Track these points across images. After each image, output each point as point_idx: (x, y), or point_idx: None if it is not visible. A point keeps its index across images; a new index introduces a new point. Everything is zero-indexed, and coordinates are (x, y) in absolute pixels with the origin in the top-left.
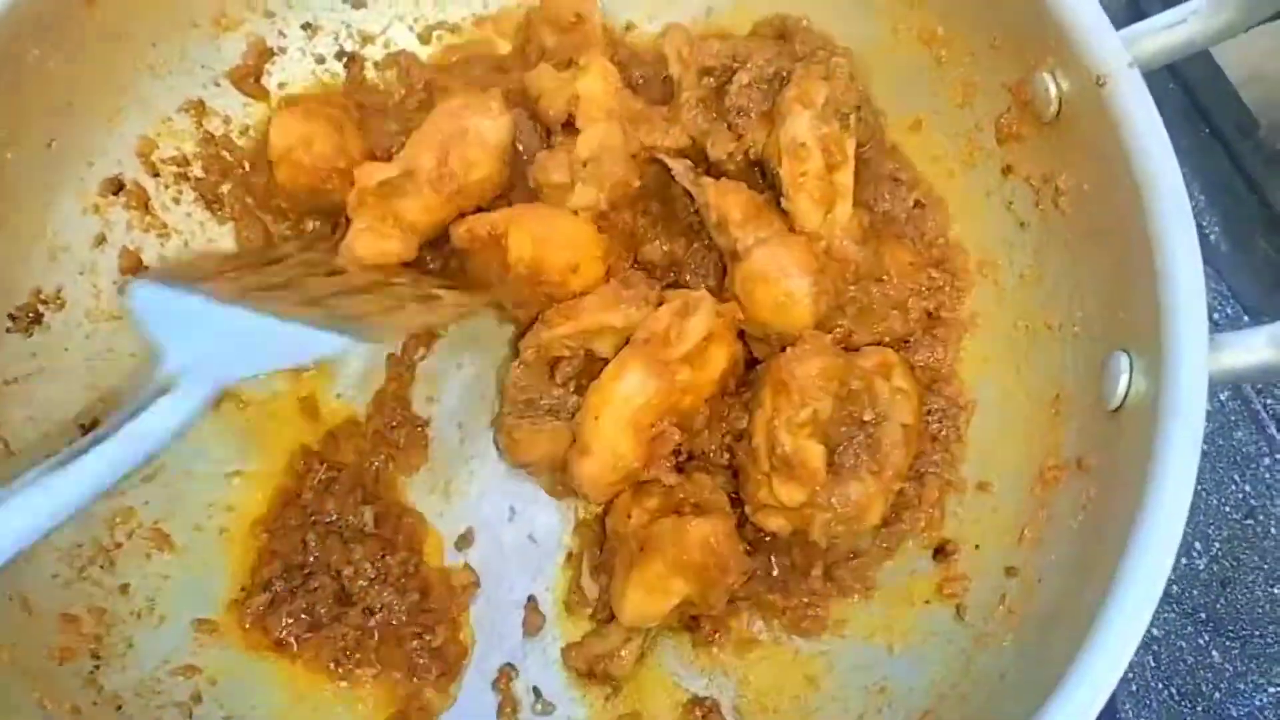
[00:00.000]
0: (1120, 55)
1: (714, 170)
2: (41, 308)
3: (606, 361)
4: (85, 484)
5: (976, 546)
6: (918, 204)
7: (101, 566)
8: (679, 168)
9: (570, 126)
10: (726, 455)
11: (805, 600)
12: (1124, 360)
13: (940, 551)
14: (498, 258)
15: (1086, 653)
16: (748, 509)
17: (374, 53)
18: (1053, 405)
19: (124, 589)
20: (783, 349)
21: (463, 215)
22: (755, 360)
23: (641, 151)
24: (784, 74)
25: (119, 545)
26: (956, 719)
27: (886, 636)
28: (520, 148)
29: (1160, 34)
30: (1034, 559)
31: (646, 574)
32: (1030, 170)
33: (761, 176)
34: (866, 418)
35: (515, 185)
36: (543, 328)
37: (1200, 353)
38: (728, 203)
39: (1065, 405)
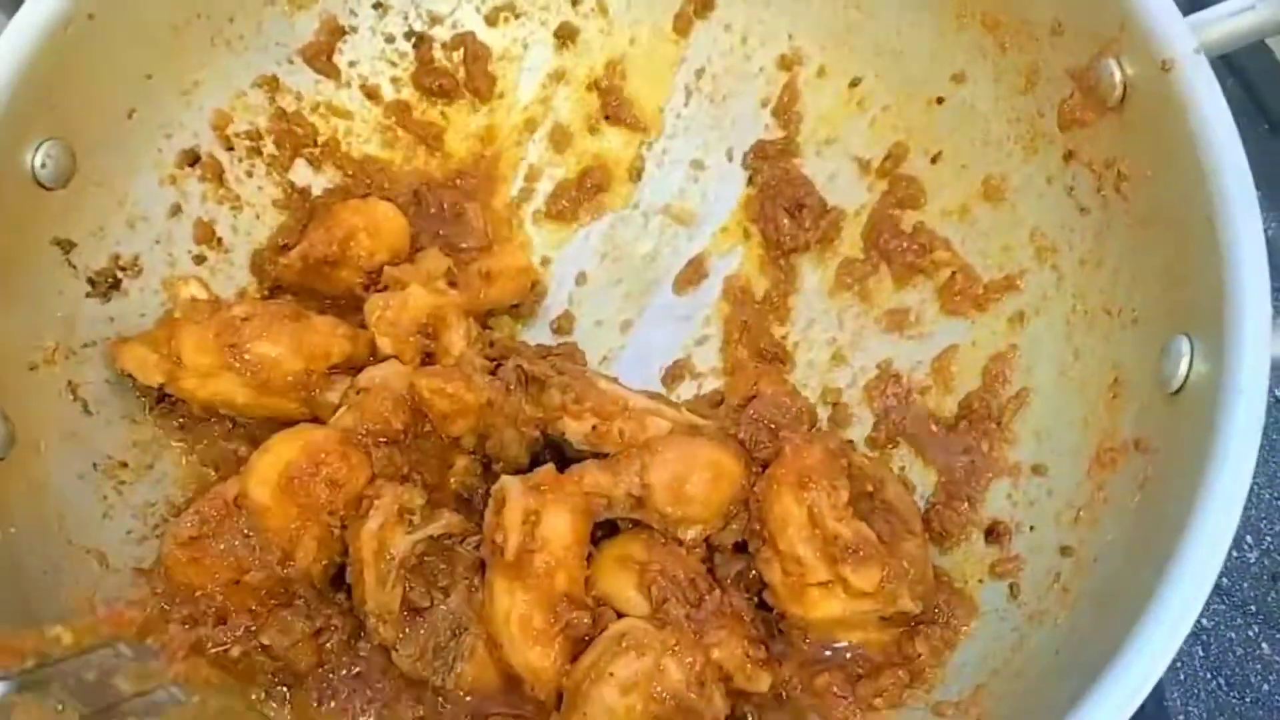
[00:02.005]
0: (1187, 40)
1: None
2: (120, 274)
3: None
4: None
5: (1031, 528)
6: None
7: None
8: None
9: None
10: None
11: None
12: (1184, 344)
13: (991, 533)
14: None
15: (1140, 631)
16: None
17: (442, 33)
18: (1111, 389)
19: None
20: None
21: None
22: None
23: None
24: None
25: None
26: (1010, 693)
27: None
28: None
29: (1227, 20)
30: (1090, 539)
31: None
32: (1092, 156)
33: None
34: (870, 489)
35: None
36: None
37: (1264, 335)
38: (588, 482)
39: (1124, 388)
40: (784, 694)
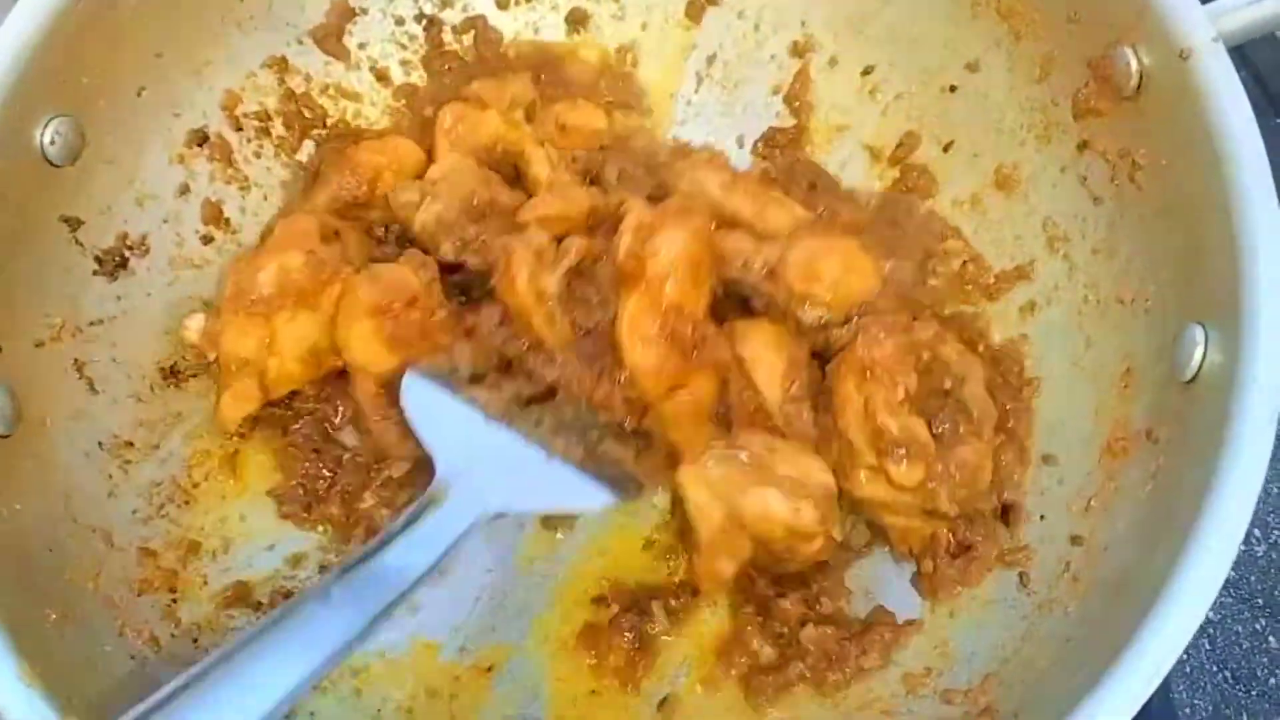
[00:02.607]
0: (1206, 29)
1: None
2: (127, 253)
3: None
4: (368, 596)
5: (1042, 517)
6: None
7: (180, 505)
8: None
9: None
10: None
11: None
12: (1199, 333)
13: (1006, 513)
14: None
15: (1151, 623)
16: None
17: (452, 16)
18: (1123, 378)
19: (200, 528)
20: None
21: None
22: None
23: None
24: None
25: (197, 485)
26: (1019, 682)
27: (948, 603)
28: None
29: (1246, 8)
30: (1101, 528)
31: None
32: (1107, 145)
33: None
34: (947, 385)
35: None
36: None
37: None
38: (731, 243)
39: (1136, 378)
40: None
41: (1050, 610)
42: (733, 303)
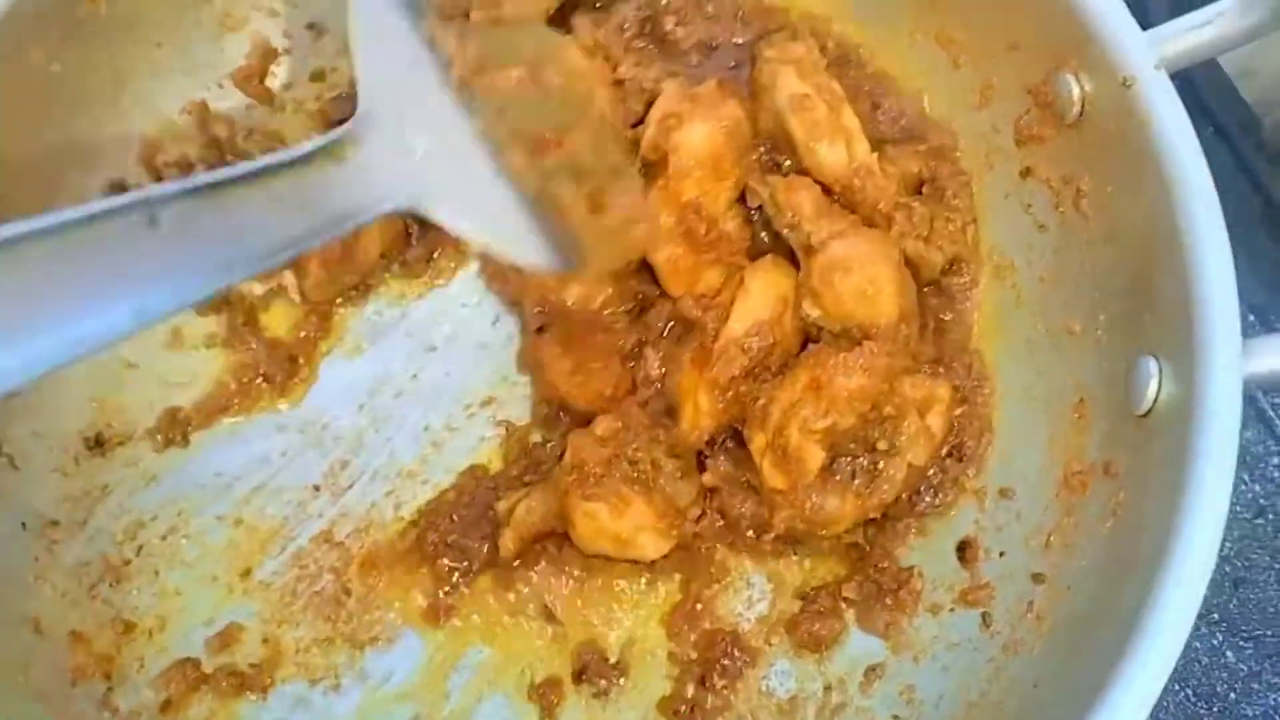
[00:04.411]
0: (1148, 56)
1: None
2: None
3: None
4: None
5: (1001, 554)
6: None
7: (111, 584)
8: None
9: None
10: None
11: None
12: (1152, 365)
13: (962, 551)
14: None
15: (1130, 660)
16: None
17: None
18: (1076, 409)
19: (134, 607)
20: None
21: None
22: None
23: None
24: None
25: (128, 562)
26: None
27: (911, 646)
28: None
29: (1187, 34)
30: (1063, 565)
31: None
32: (1050, 172)
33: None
34: (880, 445)
35: None
36: None
37: (1234, 355)
38: (798, 199)
39: (1090, 409)
40: None
41: (1016, 651)
42: None
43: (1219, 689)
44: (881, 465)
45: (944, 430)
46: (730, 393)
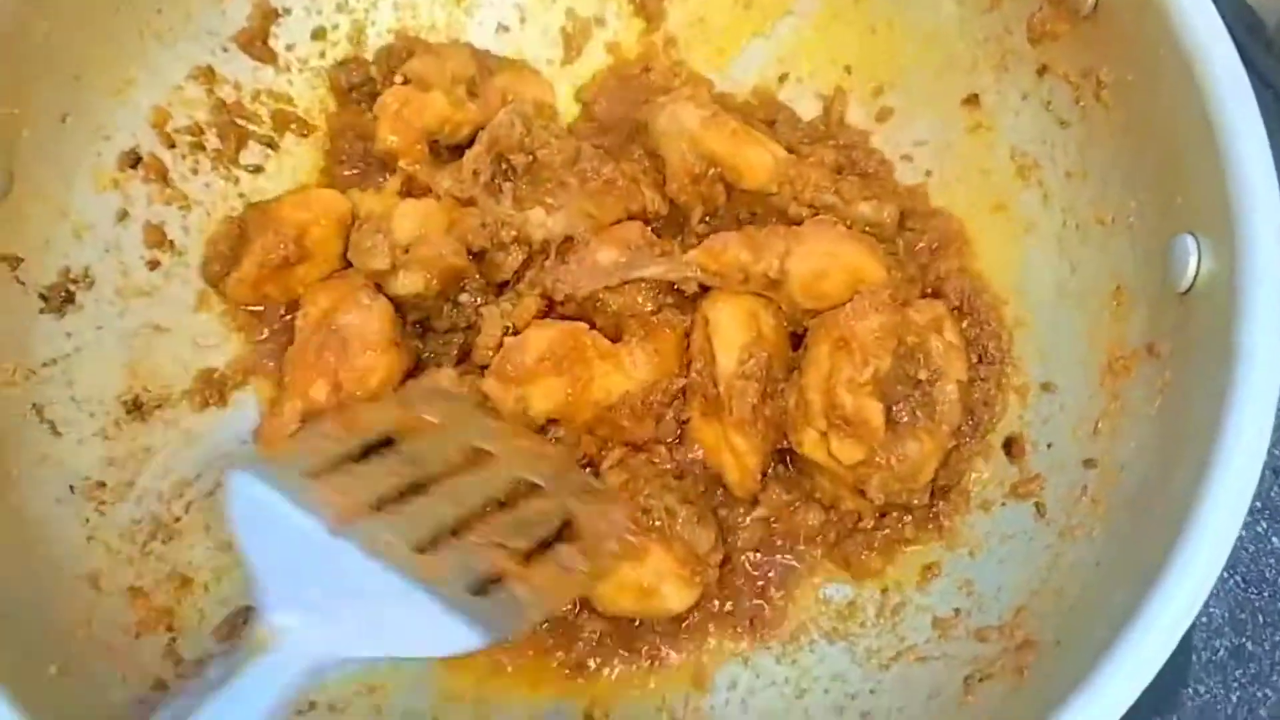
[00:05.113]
0: None
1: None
2: (72, 287)
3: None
4: None
5: (1049, 445)
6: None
7: (164, 541)
8: (657, 270)
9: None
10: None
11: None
12: (1190, 242)
13: (1010, 445)
14: None
15: (1186, 540)
16: (794, 443)
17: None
18: (1114, 297)
19: (188, 562)
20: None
21: None
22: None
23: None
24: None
25: (178, 520)
26: (1054, 612)
27: (966, 543)
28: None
29: None
30: (1113, 449)
31: None
32: (1068, 67)
33: None
34: (921, 376)
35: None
36: None
37: (1276, 224)
38: (730, 253)
39: (1128, 295)
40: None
41: (1074, 536)
42: None
43: (1268, 574)
44: (932, 392)
45: (962, 341)
46: (759, 422)
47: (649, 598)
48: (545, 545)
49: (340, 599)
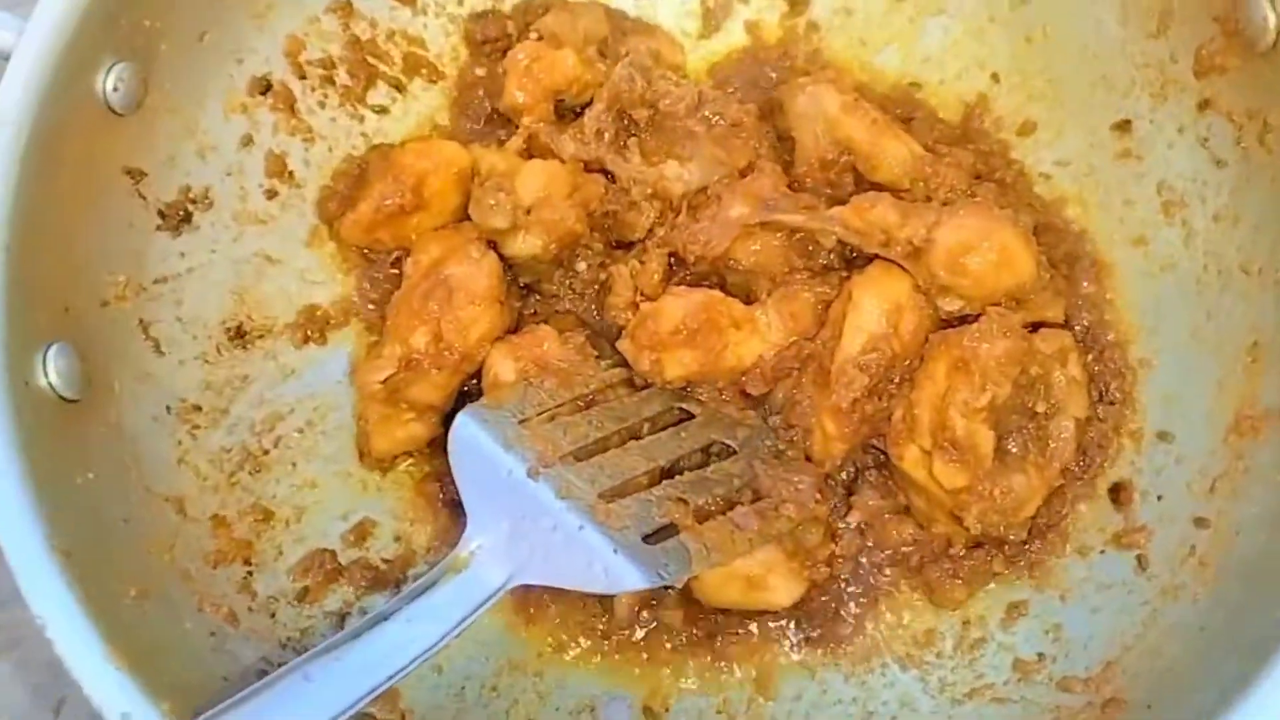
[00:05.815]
0: None
1: None
2: (190, 207)
3: None
4: (361, 674)
5: (1159, 497)
6: None
7: (251, 473)
8: (797, 219)
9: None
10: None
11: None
12: None
13: (1118, 492)
14: None
15: None
16: (894, 455)
17: None
18: (1249, 352)
19: (272, 496)
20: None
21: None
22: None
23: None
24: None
25: (267, 452)
26: (1146, 671)
27: (1057, 585)
28: None
29: None
30: (1230, 511)
31: None
32: (1233, 105)
33: None
34: (1039, 408)
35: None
36: None
37: None
38: (877, 213)
39: (1265, 352)
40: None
41: (1176, 596)
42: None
43: None
44: (1048, 426)
45: (1085, 377)
46: (856, 414)
47: (755, 589)
48: (727, 504)
49: (528, 532)
